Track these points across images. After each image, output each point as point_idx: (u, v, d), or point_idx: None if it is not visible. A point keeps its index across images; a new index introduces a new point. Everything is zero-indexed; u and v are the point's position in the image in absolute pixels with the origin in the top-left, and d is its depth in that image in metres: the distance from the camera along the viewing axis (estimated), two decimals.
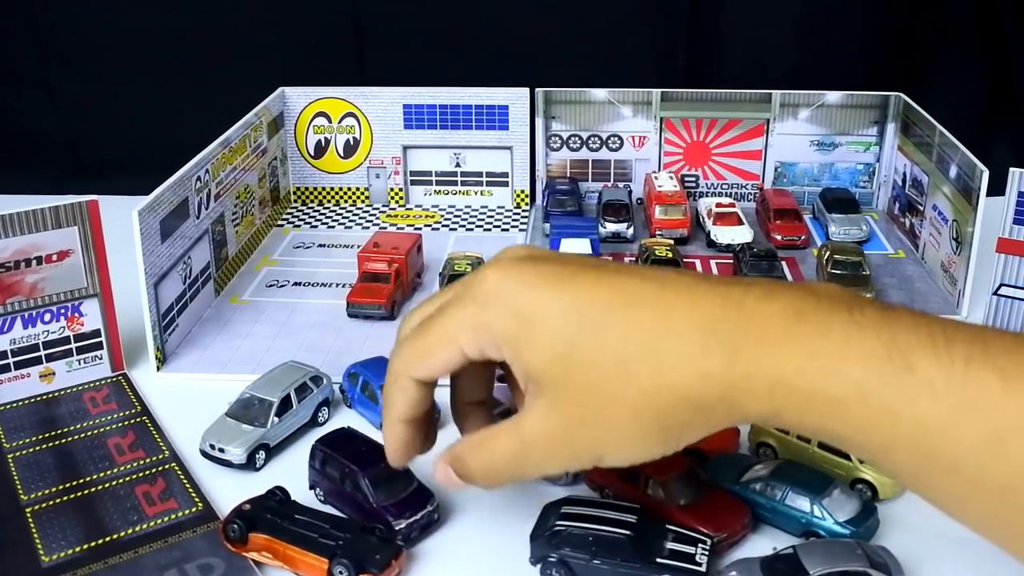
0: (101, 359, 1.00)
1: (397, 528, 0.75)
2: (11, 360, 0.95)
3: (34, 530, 0.77)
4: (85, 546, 0.75)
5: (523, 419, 0.61)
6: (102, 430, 0.91)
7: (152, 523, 0.78)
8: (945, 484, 0.52)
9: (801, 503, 0.76)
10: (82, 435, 0.90)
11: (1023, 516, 0.50)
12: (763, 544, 0.75)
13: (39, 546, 0.75)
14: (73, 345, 0.98)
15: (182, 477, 0.84)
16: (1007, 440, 0.48)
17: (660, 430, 0.58)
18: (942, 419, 0.49)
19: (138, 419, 0.93)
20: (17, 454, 0.87)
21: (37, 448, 0.88)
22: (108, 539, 0.76)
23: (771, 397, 0.54)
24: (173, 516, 0.79)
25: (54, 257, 0.94)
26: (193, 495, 0.81)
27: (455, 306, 0.63)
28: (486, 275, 0.61)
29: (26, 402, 0.95)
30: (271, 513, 0.75)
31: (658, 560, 0.70)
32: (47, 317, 0.96)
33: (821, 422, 0.54)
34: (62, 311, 0.97)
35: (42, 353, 0.96)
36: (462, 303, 0.62)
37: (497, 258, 0.64)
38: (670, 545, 0.72)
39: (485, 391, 0.72)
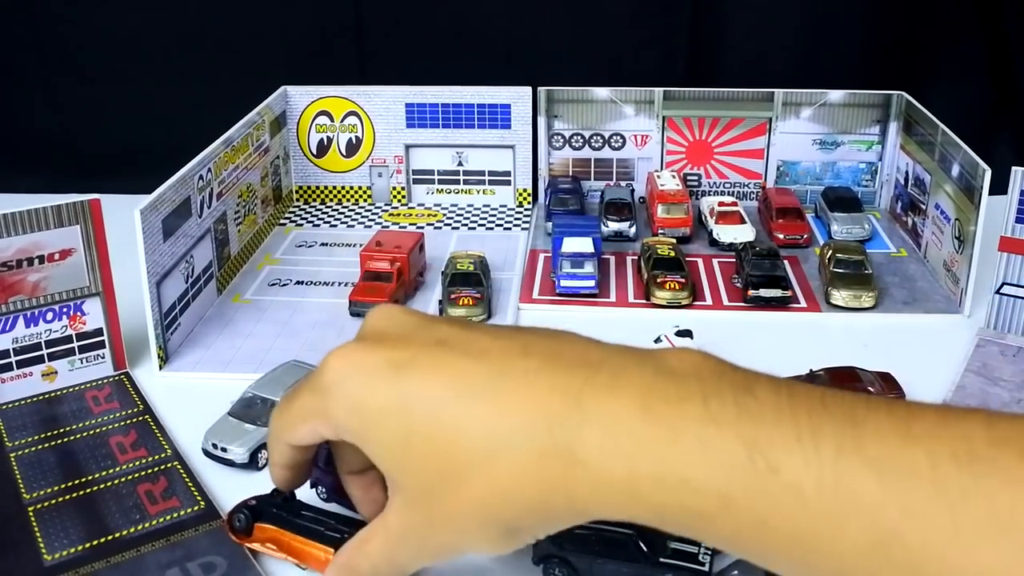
0: (103, 358, 1.00)
1: None
2: (13, 359, 0.95)
3: (36, 529, 0.77)
4: (87, 545, 0.75)
5: (387, 513, 0.59)
6: (104, 429, 0.91)
7: (154, 522, 0.78)
8: None
9: None
10: (84, 434, 0.90)
11: None
12: None
13: (41, 545, 0.75)
14: (75, 344, 0.98)
15: (184, 476, 0.84)
16: (887, 544, 0.43)
17: (508, 534, 0.54)
18: (816, 529, 0.44)
19: (140, 418, 0.93)
20: (19, 453, 0.87)
21: (39, 447, 0.88)
22: (110, 538, 0.76)
23: (624, 506, 0.50)
24: (175, 515, 0.79)
25: (56, 256, 0.94)
26: (195, 494, 0.82)
27: (304, 389, 0.61)
28: (328, 363, 0.58)
29: (28, 401, 0.95)
30: (276, 508, 0.75)
31: (661, 559, 0.70)
32: (49, 316, 0.96)
33: (684, 530, 0.49)
34: (64, 310, 0.97)
35: (44, 352, 0.96)
36: (310, 390, 0.60)
37: (348, 342, 0.60)
38: (673, 544, 0.72)
39: (366, 460, 0.66)
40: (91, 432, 0.91)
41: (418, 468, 0.54)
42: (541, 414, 0.50)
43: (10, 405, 0.94)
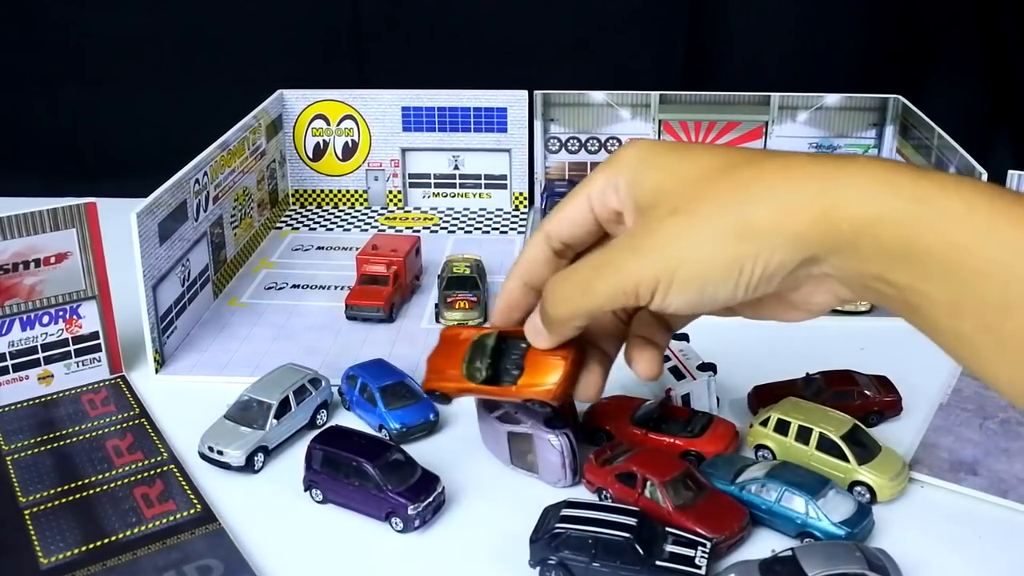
0: (99, 361, 1.00)
1: (413, 512, 0.77)
2: (10, 363, 0.95)
3: (32, 532, 0.77)
4: (84, 548, 0.75)
5: (613, 239, 0.64)
6: (101, 432, 0.91)
7: (151, 525, 0.78)
8: None
9: (796, 504, 0.76)
10: (81, 437, 0.90)
11: None
12: (762, 546, 0.75)
13: (37, 548, 0.75)
14: (71, 347, 0.98)
15: (180, 479, 0.84)
16: None
17: (739, 232, 0.56)
18: None
19: (137, 421, 0.93)
20: (16, 456, 0.87)
21: (36, 450, 0.88)
22: (107, 541, 0.76)
23: (867, 196, 0.52)
24: (172, 518, 0.79)
25: (52, 259, 0.94)
26: (192, 497, 0.81)
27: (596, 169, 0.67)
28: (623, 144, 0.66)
29: (25, 404, 0.95)
30: None
31: (658, 563, 0.70)
32: (45, 319, 0.96)
33: (920, 232, 0.51)
34: (60, 313, 0.97)
35: (40, 355, 0.96)
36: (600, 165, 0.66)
37: None
38: (670, 548, 0.72)
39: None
40: (87, 435, 0.90)
41: (688, 172, 0.59)
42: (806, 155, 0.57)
43: (6, 409, 0.94)
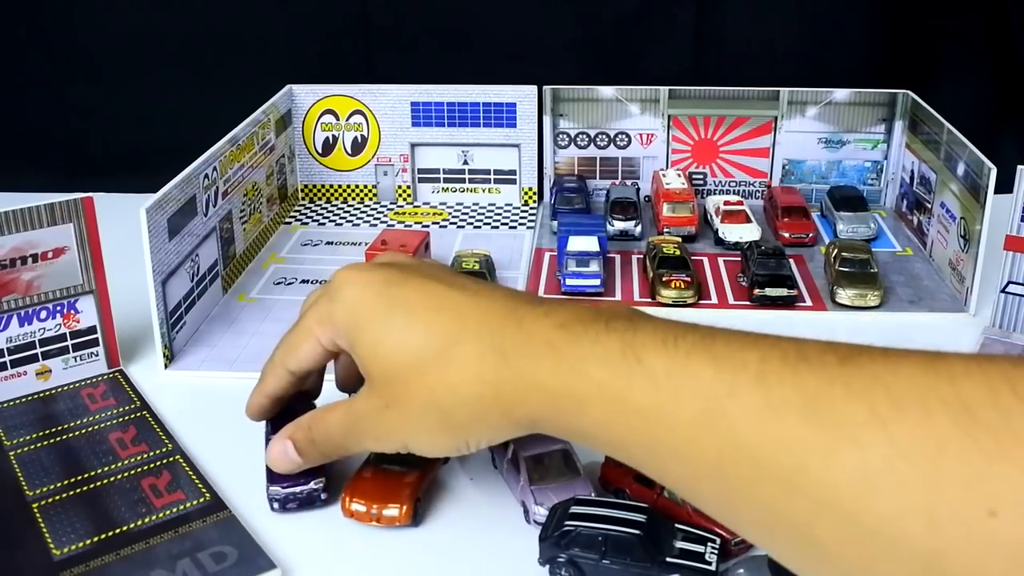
0: (97, 356, 1.00)
1: (273, 497, 0.78)
2: (8, 358, 0.94)
3: (42, 524, 0.77)
4: (95, 538, 0.76)
5: (356, 398, 0.71)
6: (102, 426, 0.91)
7: (161, 514, 0.78)
8: (675, 470, 0.56)
9: None
10: (83, 431, 0.90)
11: (739, 488, 0.51)
12: None
13: (49, 540, 0.76)
14: (69, 342, 0.98)
15: (188, 470, 0.84)
16: (713, 417, 0.51)
17: (446, 428, 0.65)
18: (661, 404, 0.54)
19: (138, 414, 0.93)
20: (19, 451, 0.87)
21: (38, 445, 0.88)
22: (118, 531, 0.76)
23: (529, 399, 0.61)
24: (181, 507, 0.79)
25: (50, 254, 0.94)
26: (200, 486, 0.82)
27: (316, 302, 0.74)
28: (339, 274, 0.72)
29: (23, 400, 0.95)
30: None
31: (668, 559, 0.70)
32: (43, 315, 0.96)
33: (571, 421, 0.60)
34: (58, 308, 0.96)
35: (38, 351, 0.96)
36: (320, 299, 0.73)
37: (358, 263, 0.76)
38: (679, 544, 0.72)
39: (355, 376, 0.78)
40: (89, 429, 0.91)
41: (391, 362, 0.66)
42: (492, 326, 0.63)
43: (5, 404, 0.94)
